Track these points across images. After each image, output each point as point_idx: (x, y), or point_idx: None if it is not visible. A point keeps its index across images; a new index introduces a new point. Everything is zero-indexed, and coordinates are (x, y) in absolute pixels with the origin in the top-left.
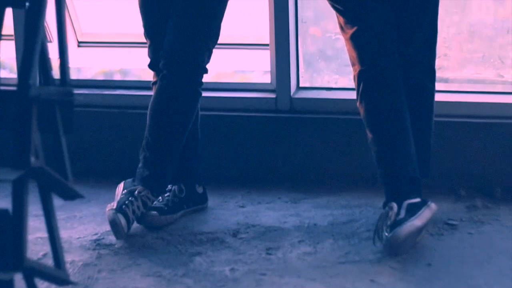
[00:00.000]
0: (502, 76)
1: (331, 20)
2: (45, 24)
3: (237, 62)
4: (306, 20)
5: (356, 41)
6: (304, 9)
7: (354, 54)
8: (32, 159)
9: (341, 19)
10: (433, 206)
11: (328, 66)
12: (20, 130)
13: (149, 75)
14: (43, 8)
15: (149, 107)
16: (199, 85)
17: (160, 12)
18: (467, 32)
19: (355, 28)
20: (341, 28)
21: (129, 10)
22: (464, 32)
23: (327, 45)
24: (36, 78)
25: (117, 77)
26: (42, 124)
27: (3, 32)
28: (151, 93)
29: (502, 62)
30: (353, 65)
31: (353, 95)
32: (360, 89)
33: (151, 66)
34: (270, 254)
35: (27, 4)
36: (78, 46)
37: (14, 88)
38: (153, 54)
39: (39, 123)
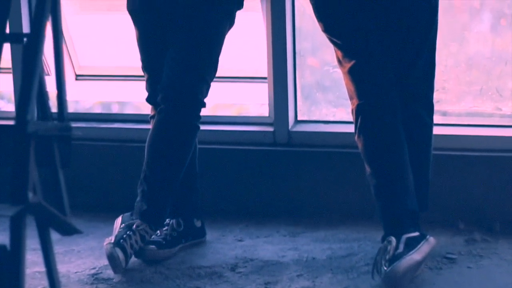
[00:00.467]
0: (500, 109)
1: (329, 51)
2: (43, 57)
3: (234, 95)
4: (303, 51)
5: (354, 75)
6: (302, 40)
7: (352, 88)
8: (30, 194)
9: (339, 53)
10: (431, 240)
11: (326, 99)
12: (17, 165)
13: (147, 108)
14: (41, 43)
15: (147, 141)
16: (197, 119)
17: (158, 46)
18: (465, 63)
19: (353, 62)
20: (339, 61)
21: (127, 43)
22: (462, 63)
23: (325, 77)
24: (34, 113)
25: (115, 110)
26: (40, 159)
27: (1, 65)
28: (149, 126)
29: (500, 95)
30: (351, 98)
31: (351, 128)
32: (358, 123)
33: (149, 100)
34: None
35: (25, 39)
36: (76, 79)
37: (12, 122)
38: (151, 88)
39: (36, 158)
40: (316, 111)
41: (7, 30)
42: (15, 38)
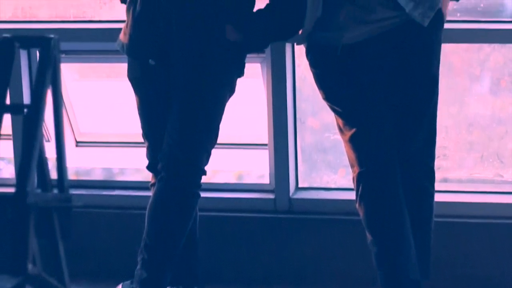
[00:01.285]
0: (502, 176)
1: (330, 113)
2: (43, 123)
3: (235, 162)
4: (303, 112)
5: (355, 143)
6: (302, 101)
7: (353, 156)
8: (30, 266)
9: (340, 121)
10: None
11: (326, 160)
12: (17, 236)
13: (148, 175)
14: (41, 114)
15: (148, 209)
16: (197, 188)
17: (159, 114)
18: (465, 125)
19: (353, 130)
20: (340, 129)
21: (127, 110)
22: (462, 125)
23: (325, 138)
24: (34, 183)
25: (116, 177)
26: (40, 230)
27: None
28: (150, 193)
29: (501, 162)
30: (352, 166)
31: (352, 195)
32: (360, 190)
33: (149, 168)
34: None
35: (25, 110)
36: (76, 145)
37: (11, 191)
38: (151, 156)
39: (36, 229)
40: (317, 178)
41: (8, 101)
42: (15, 109)
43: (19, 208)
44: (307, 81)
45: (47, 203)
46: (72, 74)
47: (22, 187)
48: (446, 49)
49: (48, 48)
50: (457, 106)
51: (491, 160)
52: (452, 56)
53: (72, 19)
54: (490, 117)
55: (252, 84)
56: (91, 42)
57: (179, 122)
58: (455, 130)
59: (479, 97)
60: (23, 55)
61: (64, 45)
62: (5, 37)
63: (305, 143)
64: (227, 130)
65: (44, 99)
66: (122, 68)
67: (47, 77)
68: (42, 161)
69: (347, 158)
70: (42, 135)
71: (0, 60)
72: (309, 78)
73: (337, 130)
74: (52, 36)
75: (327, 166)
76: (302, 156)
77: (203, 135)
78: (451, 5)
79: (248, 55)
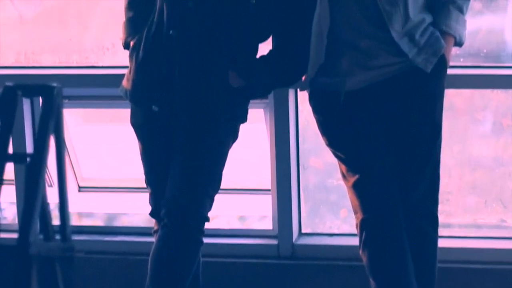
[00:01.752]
0: (505, 221)
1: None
2: (47, 169)
3: (238, 207)
4: (306, 152)
5: (358, 189)
6: (305, 141)
7: (356, 202)
8: None
9: (343, 167)
10: None
11: (330, 208)
12: (19, 286)
13: (151, 221)
14: (44, 163)
15: (150, 255)
16: (201, 234)
17: (161, 161)
18: (468, 166)
19: (357, 177)
20: (343, 176)
21: (130, 155)
22: (465, 166)
23: (328, 179)
24: (36, 233)
25: (118, 223)
26: (41, 279)
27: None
28: (153, 239)
29: (505, 207)
30: (355, 212)
31: (355, 241)
32: (363, 237)
33: (152, 214)
34: None
35: (28, 159)
36: (79, 190)
37: (14, 236)
38: (154, 202)
39: (38, 278)
40: (320, 224)
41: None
42: (18, 158)
43: (21, 258)
44: (310, 128)
45: (50, 252)
46: (75, 119)
47: (25, 237)
48: (449, 90)
49: (51, 97)
50: (459, 146)
51: (494, 205)
52: (454, 97)
53: (75, 64)
54: (492, 158)
55: (255, 129)
56: (94, 88)
57: (182, 169)
58: (457, 171)
59: (481, 138)
60: (25, 103)
61: (67, 91)
62: (7, 86)
63: (308, 183)
64: (230, 175)
65: (47, 148)
66: (125, 113)
67: (50, 126)
68: (45, 209)
69: (348, 199)
70: (44, 184)
71: (2, 109)
72: (312, 124)
73: (340, 176)
74: (55, 84)
75: (330, 209)
76: (304, 197)
77: (206, 182)
78: (454, 50)
79: (251, 101)
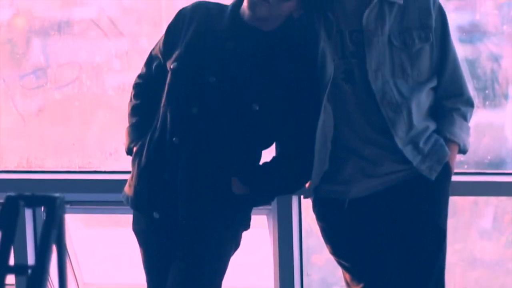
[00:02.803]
0: None
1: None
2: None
3: None
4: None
5: None
6: (308, 237)
7: None
8: None
9: (347, 275)
10: None
11: None
12: None
13: None
14: (45, 276)
15: None
16: None
17: (162, 268)
18: (469, 263)
19: (361, 285)
20: (347, 284)
21: (132, 261)
22: (466, 263)
23: (330, 275)
24: None
25: None
26: None
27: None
28: None
29: None
30: None
31: None
32: None
33: None
34: None
35: (29, 271)
36: None
37: None
38: None
39: None
40: None
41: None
42: (19, 270)
43: None
44: (313, 234)
45: None
46: (77, 223)
47: None
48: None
49: (54, 208)
50: (461, 243)
51: None
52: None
53: (77, 169)
54: (495, 254)
55: (257, 235)
56: (96, 193)
57: (182, 277)
58: (460, 269)
59: (483, 233)
60: (28, 212)
61: (69, 196)
62: (10, 196)
63: (310, 279)
64: (231, 280)
65: (49, 260)
66: (128, 217)
67: (52, 237)
68: None
69: None
70: None
71: (4, 219)
72: (315, 230)
73: (344, 283)
74: (57, 195)
75: None
76: None
77: None
78: (458, 157)
79: (254, 207)
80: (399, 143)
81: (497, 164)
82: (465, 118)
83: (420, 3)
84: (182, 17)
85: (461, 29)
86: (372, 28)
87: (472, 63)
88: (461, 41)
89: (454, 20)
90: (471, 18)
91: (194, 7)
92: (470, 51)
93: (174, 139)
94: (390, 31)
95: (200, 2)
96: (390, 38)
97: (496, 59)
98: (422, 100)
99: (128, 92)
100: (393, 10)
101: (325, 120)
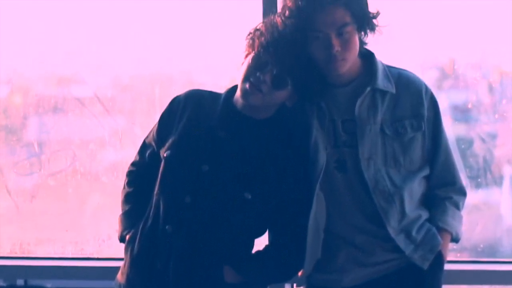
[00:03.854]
0: None
1: None
2: None
3: None
4: None
5: None
6: None
7: None
8: None
9: None
10: None
11: None
12: None
13: None
14: None
15: None
16: None
17: None
18: None
19: None
20: None
21: None
22: None
23: None
24: None
25: None
26: None
27: None
28: None
29: None
30: None
31: None
32: None
33: None
34: None
35: None
36: None
37: None
38: None
39: None
40: None
41: None
42: None
43: None
44: None
45: None
46: None
47: None
48: None
49: None
50: None
51: None
52: None
53: (70, 256)
54: None
55: None
56: (89, 280)
57: None
58: None
59: None
60: None
61: (61, 283)
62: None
63: None
64: None
65: None
66: None
67: None
68: None
69: None
70: None
71: None
72: None
73: None
74: (49, 286)
75: None
76: None
77: None
78: (451, 246)
79: None
80: (392, 232)
81: (489, 252)
82: (458, 207)
83: (412, 92)
84: (175, 105)
85: (456, 108)
86: (365, 117)
87: (467, 142)
88: (456, 120)
89: (448, 99)
90: (466, 98)
91: (188, 95)
92: (465, 130)
93: (167, 227)
94: (382, 120)
95: (193, 90)
96: (383, 127)
97: (491, 138)
98: (415, 189)
99: (122, 172)
100: (386, 99)
101: (317, 209)
